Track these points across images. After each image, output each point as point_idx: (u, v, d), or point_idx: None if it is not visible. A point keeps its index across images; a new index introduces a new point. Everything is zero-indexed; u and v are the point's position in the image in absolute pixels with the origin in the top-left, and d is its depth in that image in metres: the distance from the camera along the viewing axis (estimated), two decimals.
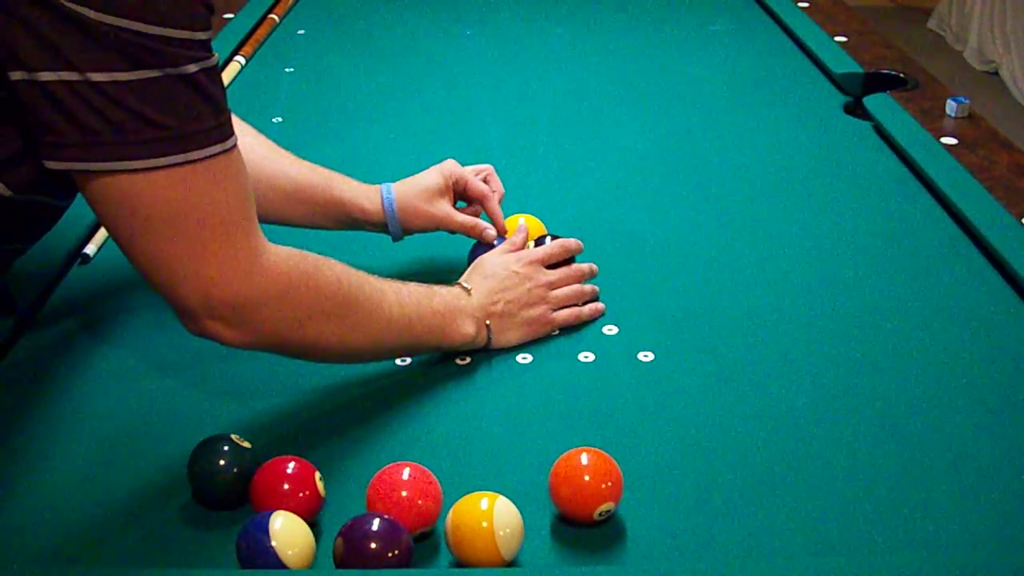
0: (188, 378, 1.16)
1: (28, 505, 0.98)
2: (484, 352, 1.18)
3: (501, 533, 0.88)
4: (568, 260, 1.27)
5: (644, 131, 1.77)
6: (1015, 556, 0.90)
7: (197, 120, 0.89)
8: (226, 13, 2.22)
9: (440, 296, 1.14)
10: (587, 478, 0.93)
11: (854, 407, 1.10)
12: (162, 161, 0.88)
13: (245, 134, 1.24)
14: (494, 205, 1.32)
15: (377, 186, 1.31)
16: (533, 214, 1.36)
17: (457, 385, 1.15)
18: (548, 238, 1.30)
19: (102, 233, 1.39)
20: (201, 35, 0.90)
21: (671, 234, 1.44)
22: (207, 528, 0.95)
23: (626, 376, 1.16)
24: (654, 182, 1.60)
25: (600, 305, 1.25)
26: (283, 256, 0.99)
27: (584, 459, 0.95)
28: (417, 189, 1.30)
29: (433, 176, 1.31)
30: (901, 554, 0.91)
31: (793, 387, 1.13)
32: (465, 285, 1.18)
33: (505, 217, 1.35)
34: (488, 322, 1.17)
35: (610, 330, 1.23)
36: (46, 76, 0.85)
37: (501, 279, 1.19)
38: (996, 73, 4.31)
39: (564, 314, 1.22)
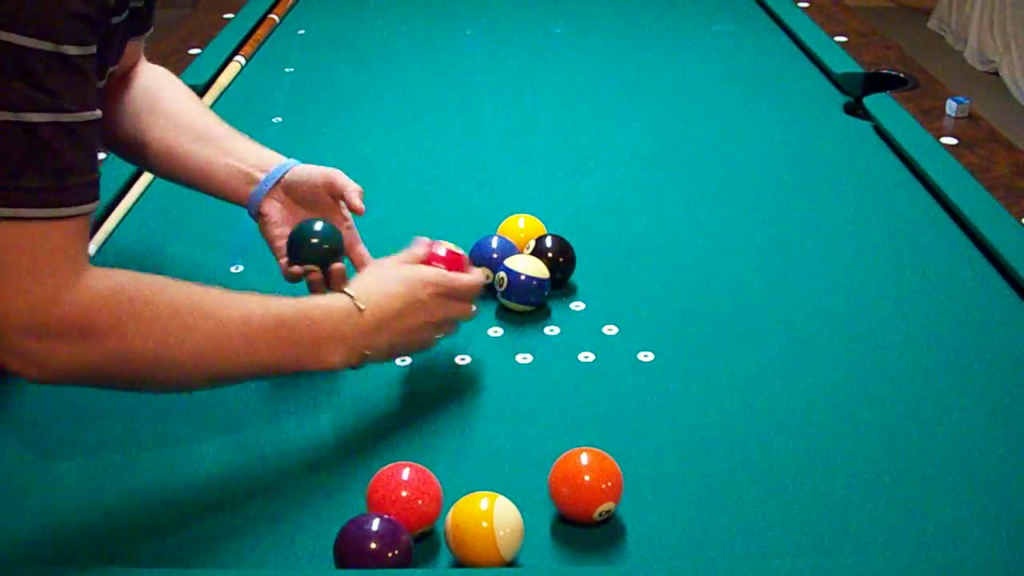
0: None
1: (28, 505, 0.98)
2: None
3: (501, 533, 0.88)
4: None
5: (644, 131, 1.77)
6: (1015, 556, 0.91)
7: (29, 176, 0.84)
8: (226, 13, 2.22)
9: (311, 318, 1.01)
10: (587, 478, 0.93)
11: (854, 407, 1.10)
12: None
13: (172, 93, 1.27)
14: (345, 183, 1.20)
15: (262, 173, 1.21)
16: (533, 214, 1.36)
17: (457, 385, 1.14)
18: (548, 238, 1.30)
19: (102, 233, 1.39)
20: (70, 49, 0.84)
21: (671, 234, 1.45)
22: (207, 528, 0.95)
23: (626, 376, 1.16)
24: (654, 182, 1.60)
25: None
26: (93, 289, 0.90)
27: (584, 459, 0.95)
28: (291, 197, 1.21)
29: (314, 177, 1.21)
30: (901, 554, 0.91)
31: (793, 387, 1.13)
32: (360, 303, 1.04)
33: (505, 217, 1.35)
34: (366, 352, 1.05)
35: (610, 330, 1.23)
36: None
37: (406, 301, 1.07)
38: (996, 73, 4.31)
39: (444, 331, 1.12)
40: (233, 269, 1.34)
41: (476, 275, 1.15)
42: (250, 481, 1.01)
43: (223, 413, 1.10)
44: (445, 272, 1.12)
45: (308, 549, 0.92)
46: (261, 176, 1.21)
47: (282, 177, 1.21)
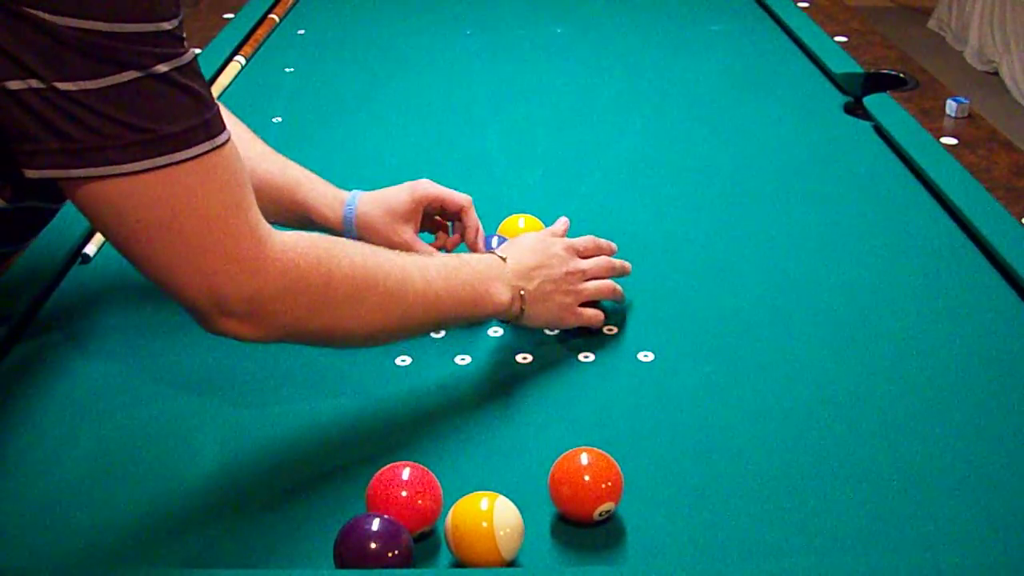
0: (188, 378, 1.16)
1: (28, 505, 0.98)
2: (513, 325, 1.19)
3: (501, 533, 0.88)
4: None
5: (644, 131, 1.77)
6: (1014, 556, 0.91)
7: (178, 120, 0.86)
8: (226, 13, 2.22)
9: (471, 266, 1.12)
10: (587, 478, 0.93)
11: (854, 406, 1.10)
12: (146, 164, 0.86)
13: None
14: (472, 216, 1.28)
15: (344, 194, 1.27)
16: (533, 214, 1.36)
17: (457, 385, 1.15)
18: None
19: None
20: (166, 25, 0.86)
21: (671, 234, 1.45)
22: (207, 528, 0.95)
23: (626, 376, 1.16)
24: (654, 182, 1.60)
25: (620, 290, 1.24)
26: (290, 244, 0.96)
27: (584, 459, 0.95)
28: (382, 208, 1.25)
29: (402, 196, 1.26)
30: (901, 554, 0.91)
31: (793, 387, 1.13)
32: (500, 255, 1.16)
33: (505, 217, 1.35)
34: (523, 292, 1.14)
35: (610, 330, 1.23)
36: (14, 85, 0.82)
37: (540, 255, 1.17)
38: (996, 73, 4.31)
39: (590, 312, 1.20)
40: None
41: (593, 238, 1.25)
42: (250, 481, 1.01)
43: (223, 413, 1.10)
44: (573, 239, 1.23)
45: (308, 549, 0.92)
46: (338, 202, 1.27)
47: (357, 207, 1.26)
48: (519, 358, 1.18)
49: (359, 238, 1.22)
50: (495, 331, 1.23)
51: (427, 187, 1.28)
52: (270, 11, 2.24)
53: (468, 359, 1.18)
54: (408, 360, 1.17)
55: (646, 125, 1.79)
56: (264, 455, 1.04)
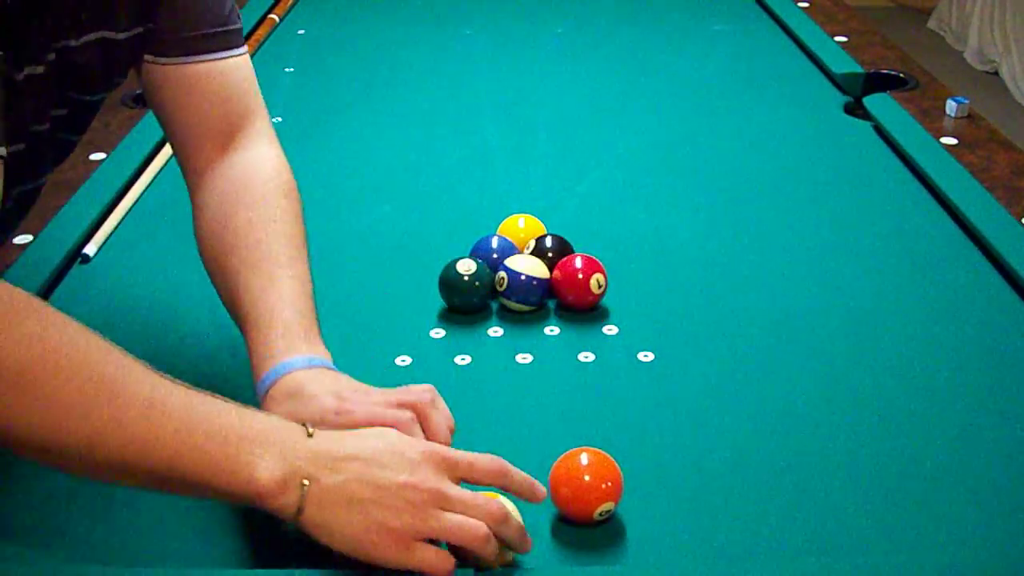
0: (187, 378, 1.15)
1: (28, 505, 0.98)
2: (293, 521, 0.80)
3: None
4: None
5: (644, 131, 1.77)
6: (1015, 556, 0.91)
7: None
8: None
9: (243, 419, 0.80)
10: (587, 478, 0.93)
11: (854, 406, 1.10)
12: None
13: (241, 208, 1.04)
14: (430, 422, 0.92)
15: (274, 361, 0.94)
16: (533, 214, 1.36)
17: (457, 385, 1.14)
18: (548, 238, 1.30)
19: (102, 233, 1.39)
20: None
21: (671, 234, 1.45)
22: (207, 528, 0.95)
23: (626, 376, 1.16)
24: (654, 182, 1.60)
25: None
26: None
27: (584, 459, 0.95)
28: (286, 408, 0.90)
29: (312, 411, 0.89)
30: (901, 554, 0.91)
31: (793, 387, 1.13)
32: (309, 428, 0.82)
33: (505, 217, 1.35)
34: (305, 482, 0.78)
35: (610, 330, 1.23)
36: None
37: (379, 448, 0.81)
38: (996, 73, 4.31)
39: (432, 555, 0.79)
40: None
41: (500, 468, 0.86)
42: None
43: None
44: (462, 453, 0.85)
45: (307, 549, 0.92)
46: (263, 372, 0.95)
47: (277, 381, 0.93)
48: (519, 358, 1.18)
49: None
50: (495, 331, 1.23)
51: (351, 411, 0.89)
52: (270, 11, 2.24)
53: (468, 359, 1.18)
54: (408, 360, 1.17)
55: (646, 125, 1.79)
56: None
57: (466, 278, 1.23)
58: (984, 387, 1.13)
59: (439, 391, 1.12)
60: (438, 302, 1.26)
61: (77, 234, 1.37)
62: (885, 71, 1.89)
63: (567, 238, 1.31)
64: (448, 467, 0.83)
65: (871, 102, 1.77)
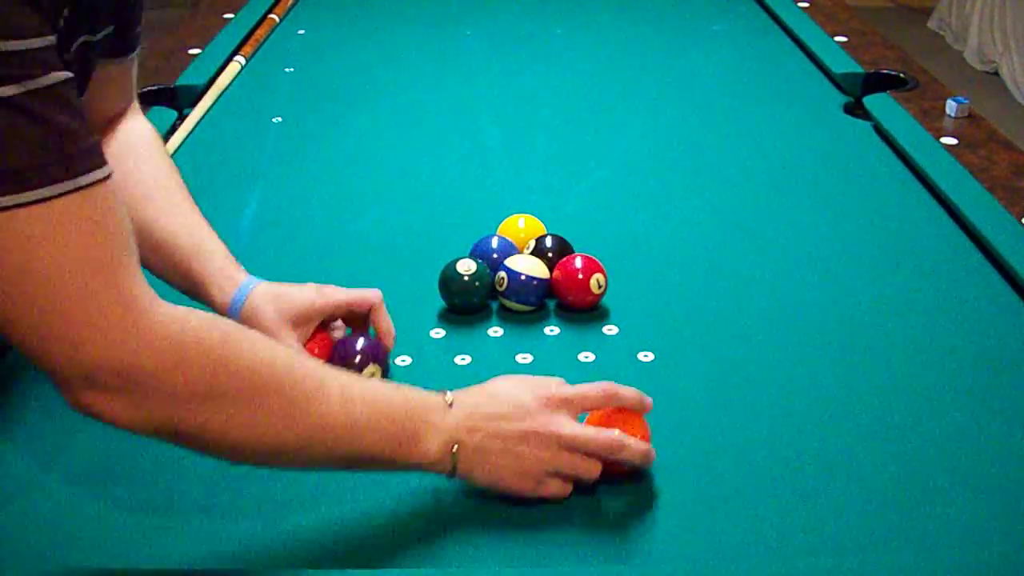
0: None
1: (28, 505, 0.98)
2: (448, 476, 0.94)
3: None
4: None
5: (644, 131, 1.77)
6: (1015, 556, 0.91)
7: (20, 154, 0.74)
8: (226, 13, 2.22)
9: (407, 401, 0.93)
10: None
11: (854, 406, 1.10)
12: None
13: (141, 155, 1.13)
14: (383, 318, 1.13)
15: (241, 277, 1.10)
16: (533, 214, 1.36)
17: (457, 385, 1.14)
18: (548, 238, 1.30)
19: None
20: (14, 44, 0.74)
21: (671, 234, 1.45)
22: (207, 528, 0.95)
23: (626, 376, 1.15)
24: (654, 182, 1.60)
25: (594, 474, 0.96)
26: (179, 318, 0.82)
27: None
28: (275, 305, 1.09)
29: (302, 299, 1.10)
30: (901, 554, 0.91)
31: (793, 387, 1.13)
32: (448, 398, 0.95)
33: (505, 217, 1.35)
34: (455, 448, 0.93)
35: (610, 330, 1.23)
36: None
37: (500, 404, 0.95)
38: (996, 73, 4.31)
39: (556, 485, 0.95)
40: None
41: (617, 391, 0.98)
42: (249, 481, 1.01)
43: None
44: (574, 388, 0.98)
45: (308, 549, 0.92)
46: (231, 285, 1.10)
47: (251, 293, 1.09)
48: (519, 358, 1.18)
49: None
50: (495, 331, 1.23)
51: (332, 294, 1.12)
52: (270, 11, 2.24)
53: (468, 359, 1.18)
54: (408, 360, 1.17)
55: (646, 125, 1.79)
56: None
57: (466, 278, 1.23)
58: (984, 387, 1.12)
59: (439, 391, 1.13)
60: (438, 302, 1.26)
61: None
62: (885, 71, 1.89)
63: (567, 238, 1.31)
64: (564, 405, 0.96)
65: (871, 102, 1.77)
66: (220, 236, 1.15)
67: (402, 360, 1.17)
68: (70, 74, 0.79)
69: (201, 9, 2.32)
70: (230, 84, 1.90)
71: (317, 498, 0.98)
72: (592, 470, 0.95)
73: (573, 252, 1.29)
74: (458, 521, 0.94)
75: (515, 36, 2.21)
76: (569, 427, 0.95)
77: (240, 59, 1.98)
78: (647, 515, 0.95)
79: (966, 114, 1.69)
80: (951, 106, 1.69)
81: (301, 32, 2.22)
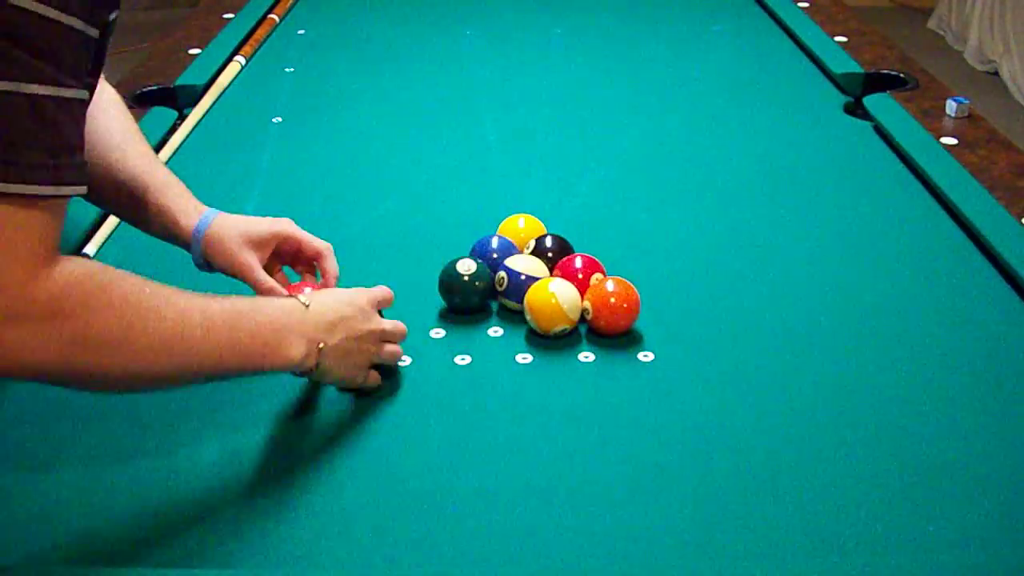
0: None
1: (28, 505, 0.98)
2: (307, 380, 1.11)
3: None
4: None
5: (644, 131, 1.77)
6: (1015, 556, 0.91)
7: (28, 151, 0.83)
8: (226, 13, 2.22)
9: (264, 312, 1.02)
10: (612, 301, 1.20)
11: (854, 406, 1.10)
12: None
13: (110, 113, 1.21)
14: (329, 262, 1.21)
15: (201, 208, 1.20)
16: (533, 214, 1.36)
17: (457, 385, 1.15)
18: (548, 238, 1.30)
19: (102, 233, 1.39)
20: (76, 22, 0.83)
21: (671, 234, 1.45)
22: (207, 529, 0.95)
23: (626, 376, 1.16)
24: (654, 182, 1.60)
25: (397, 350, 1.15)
26: (65, 271, 0.88)
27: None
28: (236, 230, 1.18)
29: (260, 226, 1.20)
30: (901, 554, 0.91)
31: (793, 387, 1.13)
32: (303, 299, 1.06)
33: (505, 217, 1.35)
34: (321, 346, 1.05)
35: None
36: None
37: (346, 307, 1.09)
38: (996, 73, 4.31)
39: (374, 375, 1.13)
40: None
41: (385, 289, 1.16)
42: (249, 481, 1.01)
43: (223, 413, 1.10)
44: (383, 289, 1.16)
45: (308, 549, 0.92)
46: (195, 213, 1.19)
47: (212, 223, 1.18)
48: (519, 358, 1.18)
49: (204, 253, 1.18)
50: (495, 331, 1.23)
51: (286, 225, 1.22)
52: (270, 11, 2.25)
53: (468, 359, 1.18)
54: (408, 360, 1.17)
55: (646, 125, 1.79)
56: (264, 455, 1.04)
57: (466, 278, 1.23)
58: (984, 387, 1.12)
59: (439, 392, 1.13)
60: (438, 302, 1.26)
61: (77, 235, 1.37)
62: (885, 71, 1.89)
63: (567, 238, 1.31)
64: (377, 305, 1.14)
65: (871, 102, 1.77)
66: None
67: (402, 360, 1.17)
68: (88, 95, 0.88)
69: (201, 9, 2.32)
70: (230, 84, 1.90)
71: (324, 493, 0.97)
72: (397, 353, 1.14)
73: (573, 252, 1.29)
74: (463, 526, 0.94)
75: (515, 36, 2.21)
76: (387, 323, 1.14)
77: (240, 59, 1.98)
78: (647, 515, 0.96)
79: (966, 114, 1.69)
80: (951, 106, 1.69)
81: (301, 32, 2.22)
